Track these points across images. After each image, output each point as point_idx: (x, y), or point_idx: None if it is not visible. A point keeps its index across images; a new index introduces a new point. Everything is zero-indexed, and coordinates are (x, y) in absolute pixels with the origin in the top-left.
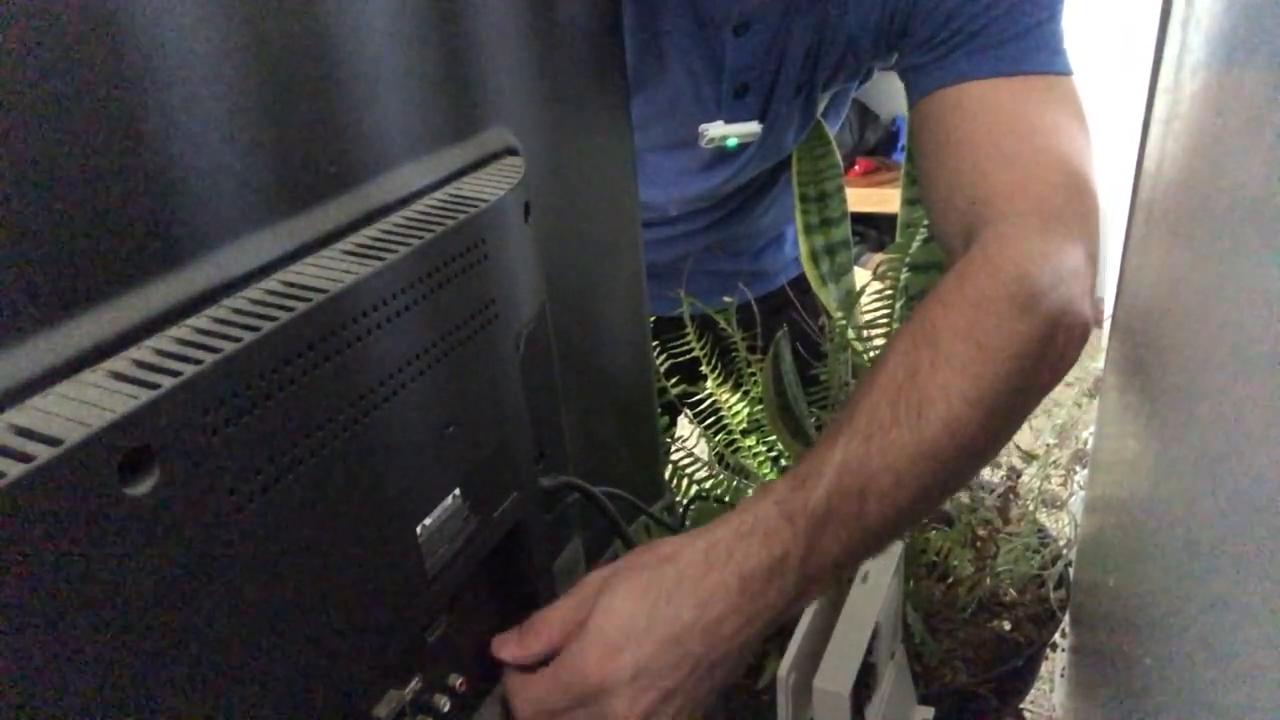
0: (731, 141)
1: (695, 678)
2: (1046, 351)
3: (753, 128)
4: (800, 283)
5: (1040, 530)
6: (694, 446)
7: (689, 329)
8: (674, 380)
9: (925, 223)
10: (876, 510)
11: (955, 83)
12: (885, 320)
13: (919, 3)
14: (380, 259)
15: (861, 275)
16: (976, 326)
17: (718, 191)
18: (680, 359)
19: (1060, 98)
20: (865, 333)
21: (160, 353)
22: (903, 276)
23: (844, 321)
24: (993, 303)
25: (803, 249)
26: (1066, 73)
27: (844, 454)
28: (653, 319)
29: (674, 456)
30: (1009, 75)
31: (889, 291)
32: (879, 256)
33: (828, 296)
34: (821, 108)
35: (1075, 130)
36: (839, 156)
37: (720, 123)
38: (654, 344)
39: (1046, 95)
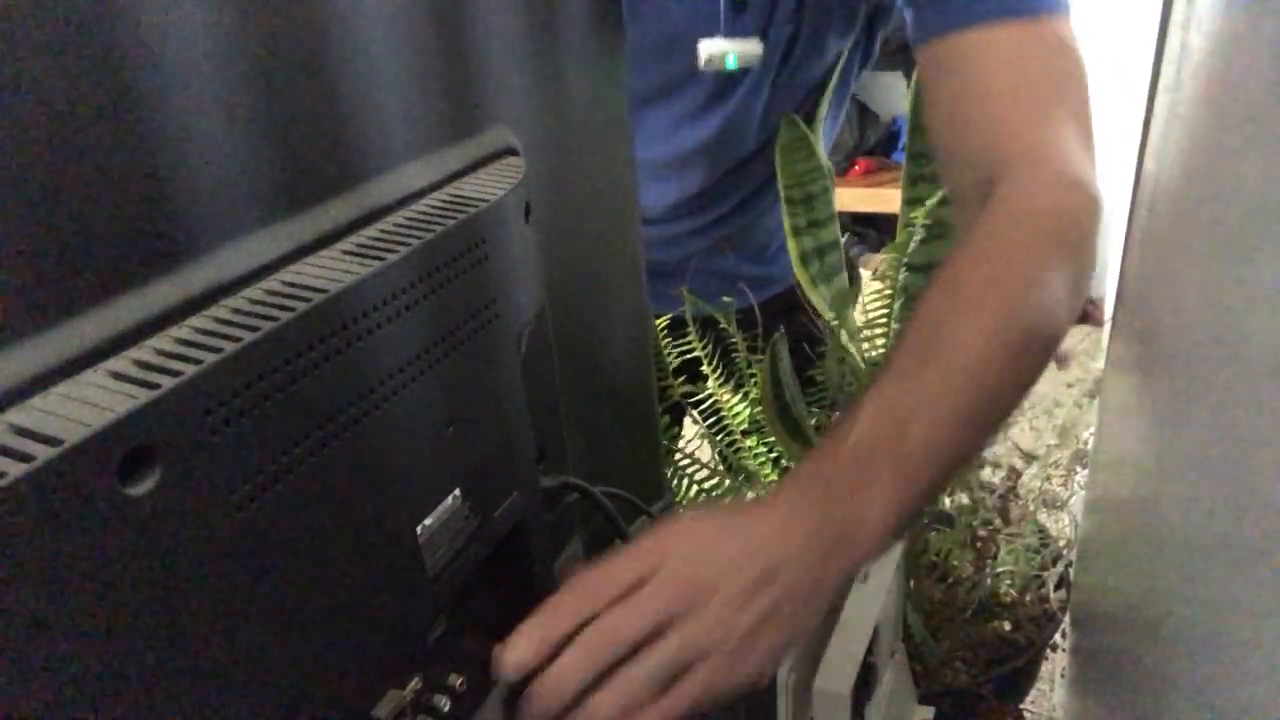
0: (731, 61)
1: (779, 607)
2: (1071, 293)
3: (753, 45)
4: None
5: (1040, 531)
6: (696, 449)
7: (690, 329)
8: (680, 380)
9: (923, 222)
10: (921, 441)
11: (963, 25)
12: (884, 320)
13: None
14: (380, 259)
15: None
16: (1003, 271)
17: (715, 147)
18: (684, 359)
19: (1065, 39)
20: (866, 332)
21: (160, 353)
22: (901, 276)
23: (836, 322)
24: (1018, 248)
25: (792, 251)
26: (1068, 12)
27: (878, 397)
28: (666, 318)
29: (675, 457)
30: (1018, 16)
31: (888, 292)
32: (879, 257)
33: (819, 298)
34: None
35: (1079, 72)
36: (822, 159)
37: (720, 39)
38: (664, 342)
39: (1054, 37)
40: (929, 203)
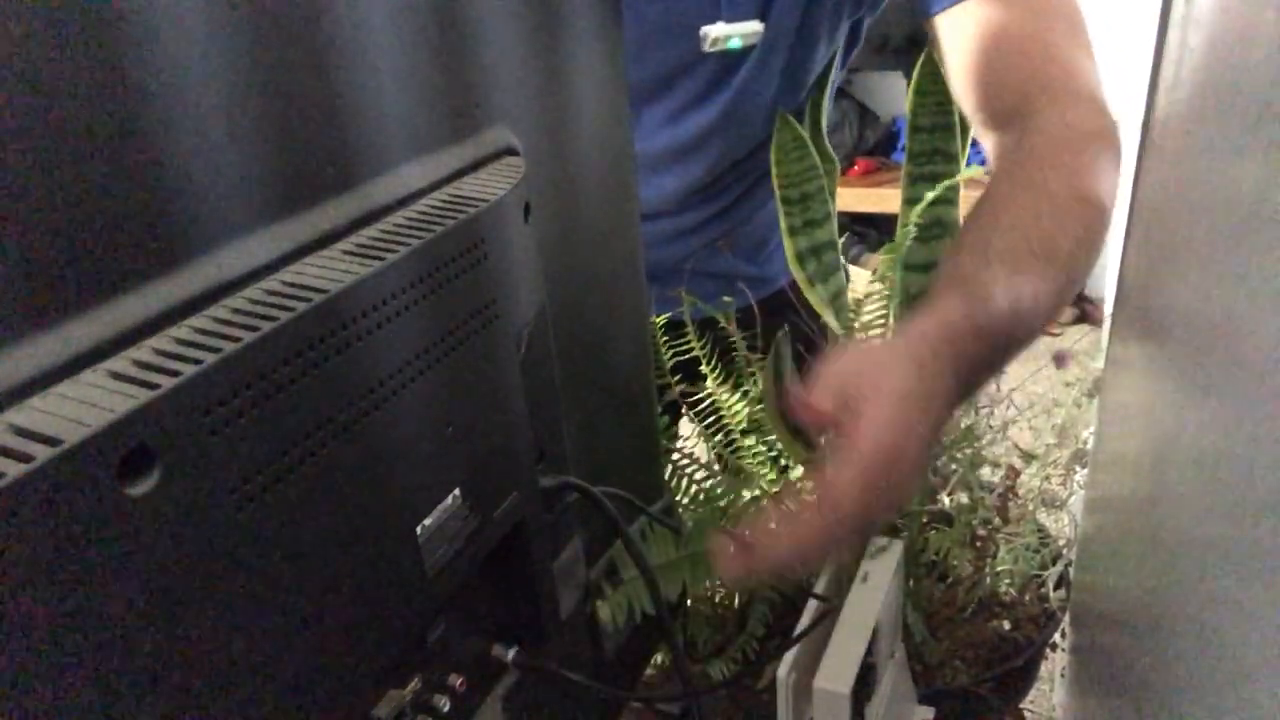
0: (734, 43)
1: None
2: (1114, 199)
3: (754, 26)
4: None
5: (1040, 530)
6: (694, 448)
7: (689, 328)
8: (677, 379)
9: (918, 221)
10: (1027, 335)
11: None
12: (882, 322)
13: None
14: (380, 259)
15: (860, 275)
16: (1077, 178)
17: (719, 134)
18: (681, 359)
19: (1074, 18)
20: (862, 334)
21: (160, 353)
22: (898, 275)
23: (837, 320)
24: (1076, 157)
25: (788, 251)
26: None
27: (1005, 283)
28: (664, 318)
29: (674, 457)
30: None
31: (886, 291)
32: (878, 257)
33: (816, 297)
34: (819, 64)
35: (1087, 46)
36: (818, 159)
37: (721, 23)
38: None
39: (1064, 15)
40: (924, 201)
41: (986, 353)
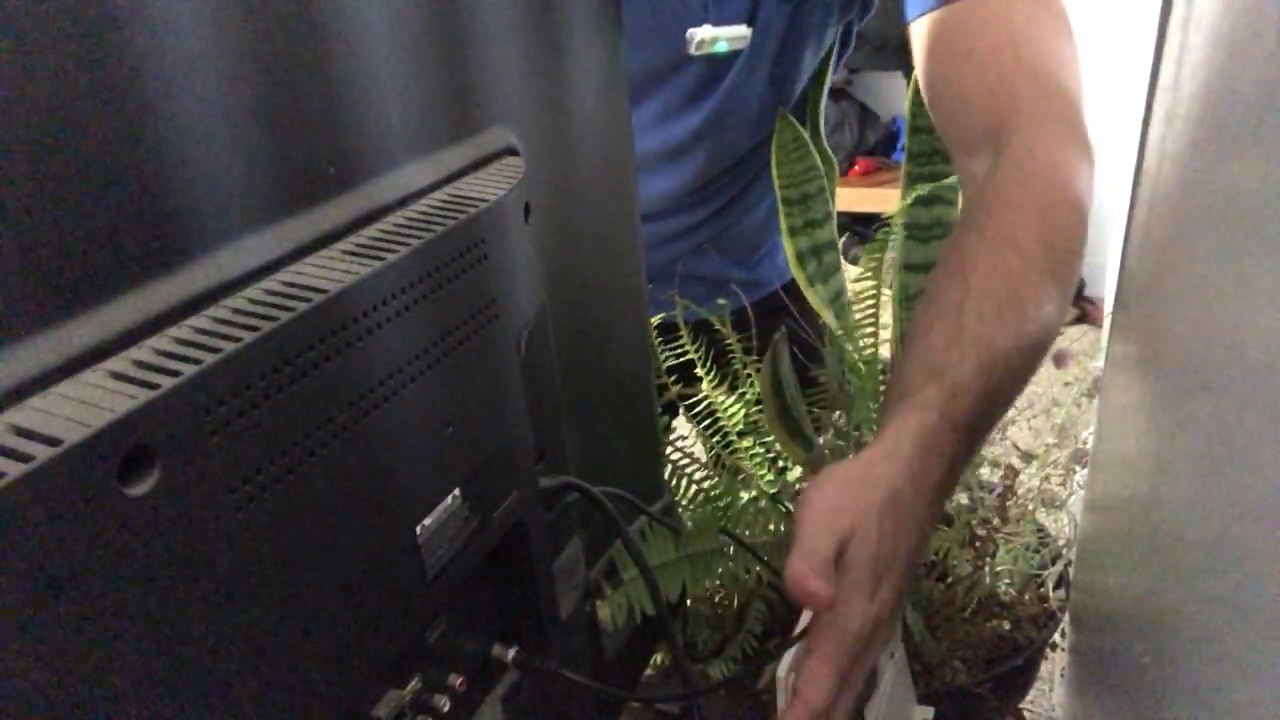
0: (720, 46)
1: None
2: (1083, 247)
3: (741, 30)
4: (794, 287)
5: (1040, 530)
6: (692, 447)
7: (683, 331)
8: (674, 379)
9: (902, 221)
10: (1002, 412)
11: None
12: (870, 320)
13: None
14: (380, 259)
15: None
16: (1048, 230)
17: (709, 136)
18: (675, 362)
19: (1053, 6)
20: (855, 331)
21: (160, 353)
22: (895, 275)
23: (837, 320)
24: (1054, 207)
25: (788, 251)
26: None
27: (976, 370)
28: (659, 319)
29: (672, 457)
30: None
31: (872, 291)
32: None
33: (816, 297)
34: (812, 63)
35: (1067, 38)
36: (819, 159)
37: (708, 26)
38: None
39: (1043, 5)
40: (905, 202)
41: (966, 439)
